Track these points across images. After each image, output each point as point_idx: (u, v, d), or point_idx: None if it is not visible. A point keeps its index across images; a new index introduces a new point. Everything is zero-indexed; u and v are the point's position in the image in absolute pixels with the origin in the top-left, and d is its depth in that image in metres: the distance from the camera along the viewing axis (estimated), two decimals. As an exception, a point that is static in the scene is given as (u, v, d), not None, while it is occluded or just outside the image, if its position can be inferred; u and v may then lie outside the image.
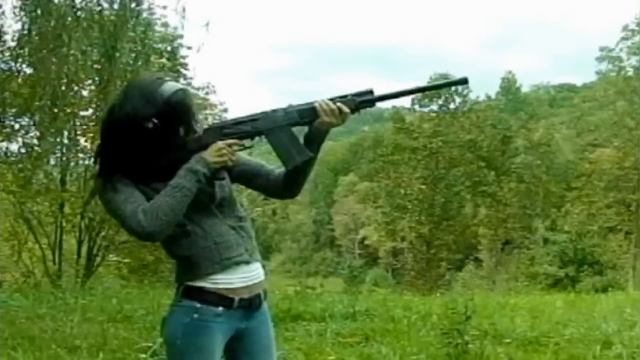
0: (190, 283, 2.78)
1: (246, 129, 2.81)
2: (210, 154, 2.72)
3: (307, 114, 2.81)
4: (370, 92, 2.86)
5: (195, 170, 2.68)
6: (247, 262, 2.84)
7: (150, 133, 2.65)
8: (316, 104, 2.80)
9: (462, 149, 40.34)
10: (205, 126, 2.83)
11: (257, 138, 2.84)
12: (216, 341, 2.79)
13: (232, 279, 2.79)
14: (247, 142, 2.85)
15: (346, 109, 2.79)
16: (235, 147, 2.79)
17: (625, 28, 38.68)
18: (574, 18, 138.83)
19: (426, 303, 10.55)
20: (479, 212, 42.36)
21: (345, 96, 2.83)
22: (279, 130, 2.81)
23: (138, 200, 2.65)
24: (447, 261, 39.70)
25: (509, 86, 47.17)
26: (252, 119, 2.82)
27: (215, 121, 2.81)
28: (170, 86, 2.70)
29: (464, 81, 3.05)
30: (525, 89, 48.91)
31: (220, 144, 2.75)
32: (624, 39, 39.02)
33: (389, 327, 7.99)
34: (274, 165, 2.97)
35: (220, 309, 2.77)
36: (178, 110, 2.70)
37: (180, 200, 2.64)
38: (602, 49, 40.13)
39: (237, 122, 2.82)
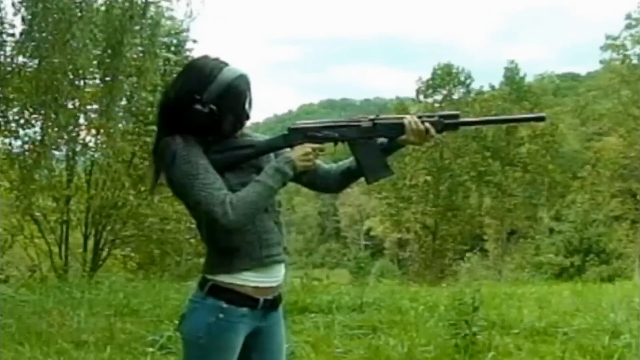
0: (219, 278, 2.70)
1: (333, 135, 2.76)
2: (298, 157, 2.68)
3: (395, 130, 2.77)
4: (457, 115, 2.84)
5: (284, 173, 2.65)
6: (281, 262, 2.81)
7: (205, 117, 2.60)
8: (405, 122, 2.75)
9: (466, 139, 40.23)
10: (291, 125, 2.78)
11: (339, 144, 2.79)
12: (239, 340, 2.75)
13: (262, 278, 2.74)
14: (329, 148, 2.80)
15: (433, 132, 2.77)
16: (318, 152, 2.75)
17: (628, 16, 38.54)
18: (578, 7, 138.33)
19: (433, 294, 10.55)
20: (484, 202, 42.33)
21: (432, 116, 2.79)
22: (365, 141, 2.77)
23: (224, 188, 2.58)
24: (453, 251, 39.69)
25: (512, 76, 46.92)
26: (339, 125, 2.77)
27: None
28: (232, 71, 2.65)
29: (541, 118, 3.10)
30: (529, 78, 48.58)
31: (308, 147, 2.71)
32: (627, 27, 38.88)
33: (396, 319, 7.99)
34: (319, 160, 2.92)
35: (245, 309, 2.72)
36: (236, 97, 2.65)
37: (266, 199, 2.62)
38: (608, 37, 39.95)
39: (324, 127, 2.77)
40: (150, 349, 6.28)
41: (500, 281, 26.47)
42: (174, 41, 22.05)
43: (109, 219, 20.34)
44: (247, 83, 2.69)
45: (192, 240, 21.13)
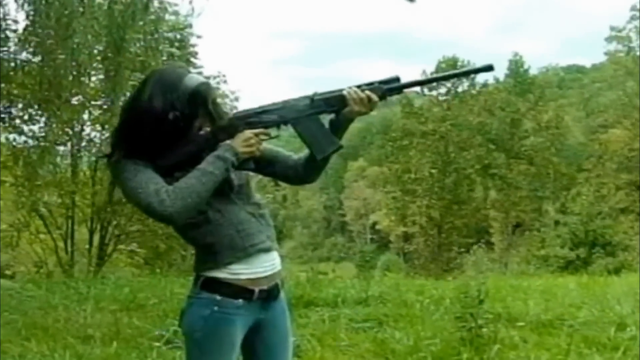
0: (209, 274, 2.72)
1: (272, 118, 2.75)
2: (239, 144, 2.67)
3: (335, 102, 2.76)
4: (397, 79, 2.81)
5: (224, 158, 2.62)
6: (268, 250, 2.80)
7: (170, 124, 2.60)
8: (345, 92, 2.75)
9: (471, 132, 40.19)
10: (230, 116, 2.78)
11: (282, 127, 2.78)
12: (236, 333, 2.75)
13: (253, 269, 2.74)
14: (272, 132, 2.79)
15: (375, 97, 2.75)
16: (262, 137, 2.74)
17: (633, 8, 38.47)
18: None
19: (439, 287, 10.53)
20: (490, 195, 42.23)
21: (371, 84, 2.78)
22: (306, 119, 2.76)
23: (161, 181, 2.58)
24: (458, 245, 39.61)
25: (516, 68, 46.86)
26: (277, 108, 2.76)
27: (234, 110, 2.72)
28: (194, 79, 2.66)
29: (489, 68, 2.97)
30: (533, 71, 48.52)
31: (248, 133, 2.69)
32: (632, 19, 38.81)
33: (402, 312, 7.98)
34: (290, 152, 2.93)
35: (241, 301, 2.72)
36: (199, 104, 2.66)
37: (206, 185, 2.57)
38: (612, 29, 39.90)
39: (263, 112, 2.76)
40: (157, 344, 6.28)
41: (506, 274, 26.46)
42: (178, 36, 22.00)
43: (115, 215, 20.35)
44: (211, 90, 2.72)
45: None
